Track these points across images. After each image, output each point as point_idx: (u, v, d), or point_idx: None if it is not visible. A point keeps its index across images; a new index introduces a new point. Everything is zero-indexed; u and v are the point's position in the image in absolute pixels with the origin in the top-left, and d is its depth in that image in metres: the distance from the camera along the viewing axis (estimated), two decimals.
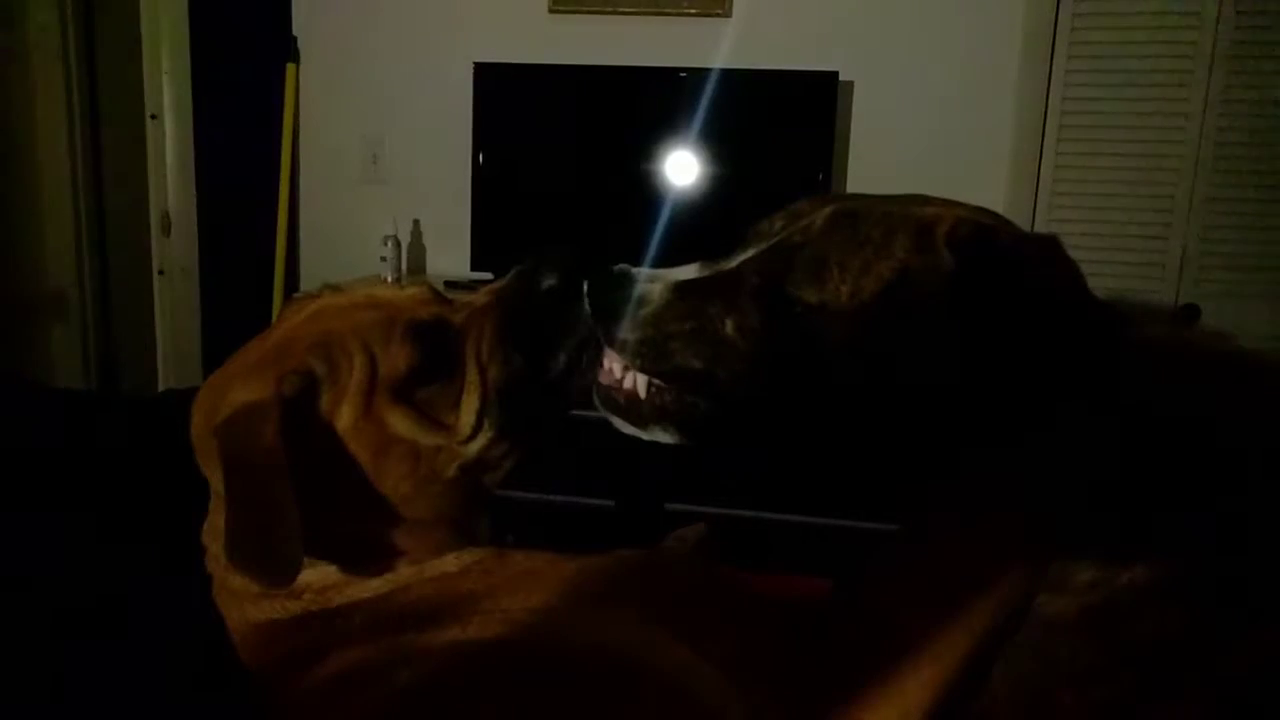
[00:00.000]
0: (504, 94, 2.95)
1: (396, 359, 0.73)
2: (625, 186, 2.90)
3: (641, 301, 0.73)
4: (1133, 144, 2.75)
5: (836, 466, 0.78)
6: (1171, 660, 0.60)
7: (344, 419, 0.71)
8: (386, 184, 3.21)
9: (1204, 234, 2.72)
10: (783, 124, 2.82)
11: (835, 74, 2.73)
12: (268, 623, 0.70)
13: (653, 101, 2.87)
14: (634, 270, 0.76)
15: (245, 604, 0.71)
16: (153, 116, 3.19)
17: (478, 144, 2.94)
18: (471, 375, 0.77)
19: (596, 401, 0.78)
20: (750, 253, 0.75)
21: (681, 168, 2.84)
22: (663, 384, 0.75)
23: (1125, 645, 0.61)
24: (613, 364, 0.76)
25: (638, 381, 0.75)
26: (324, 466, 0.69)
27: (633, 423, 0.77)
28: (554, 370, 0.80)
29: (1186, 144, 2.71)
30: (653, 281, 0.75)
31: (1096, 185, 2.77)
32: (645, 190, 2.85)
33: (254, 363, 0.74)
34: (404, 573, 0.71)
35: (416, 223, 3.20)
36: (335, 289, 0.84)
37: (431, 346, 0.74)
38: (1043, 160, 2.80)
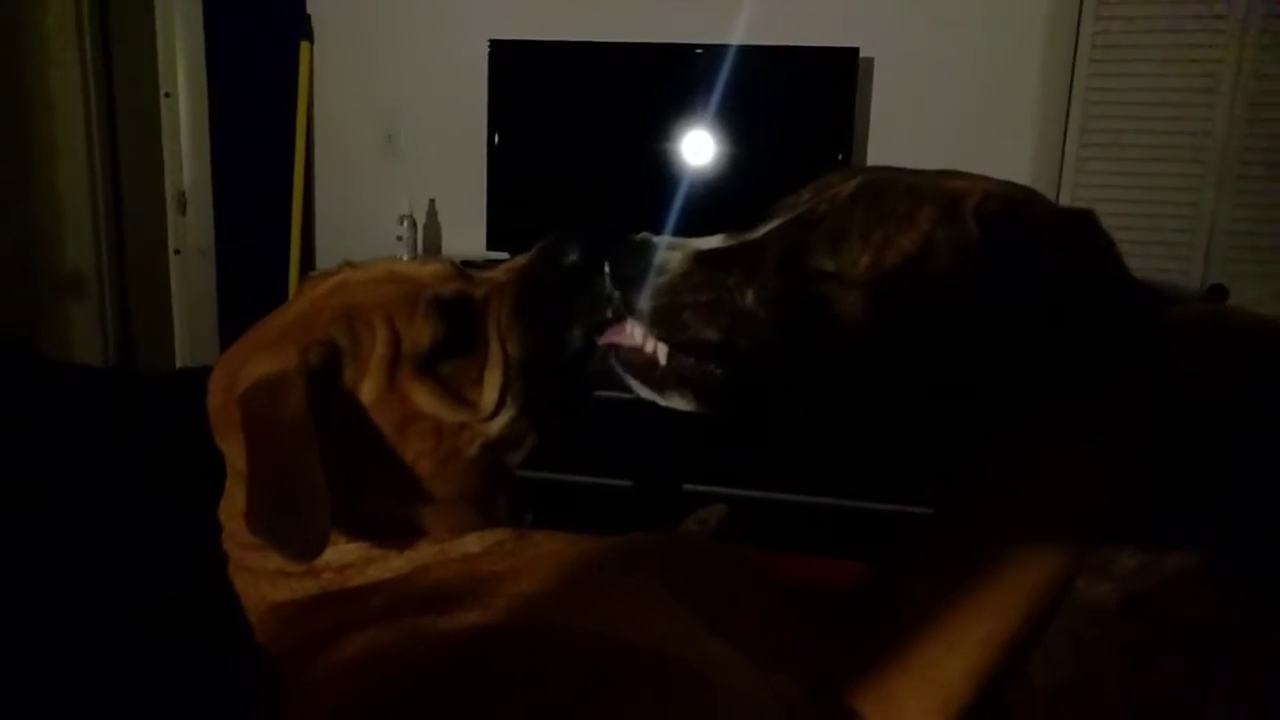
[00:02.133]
0: (520, 72, 2.92)
1: (420, 333, 0.72)
2: (642, 166, 2.87)
3: (659, 270, 0.72)
4: (1160, 120, 2.69)
5: (859, 445, 0.76)
6: (1220, 646, 0.58)
7: (367, 392, 0.70)
8: (402, 163, 3.20)
9: (1232, 213, 2.67)
10: (802, 102, 2.78)
11: (855, 50, 2.69)
12: (285, 603, 0.68)
13: (669, 79, 2.84)
14: (655, 239, 0.75)
15: (262, 583, 0.70)
16: (167, 95, 3.18)
17: (493, 122, 2.92)
18: (494, 351, 0.76)
19: (615, 365, 0.77)
20: (775, 224, 0.74)
21: (698, 147, 2.81)
22: (681, 351, 0.74)
23: (1171, 631, 0.59)
24: (634, 328, 0.75)
25: (658, 347, 0.74)
26: (346, 441, 0.68)
27: (651, 388, 0.76)
28: (575, 346, 0.78)
29: (1215, 120, 2.65)
30: (673, 250, 0.73)
31: (1122, 164, 2.72)
32: (662, 169, 2.82)
33: (275, 336, 0.73)
34: (425, 552, 0.70)
35: (432, 202, 3.18)
36: (354, 266, 0.82)
37: (455, 321, 0.73)
38: (1067, 139, 2.75)
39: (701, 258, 0.73)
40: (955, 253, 0.68)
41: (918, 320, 0.67)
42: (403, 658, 0.60)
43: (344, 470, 0.66)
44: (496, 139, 2.92)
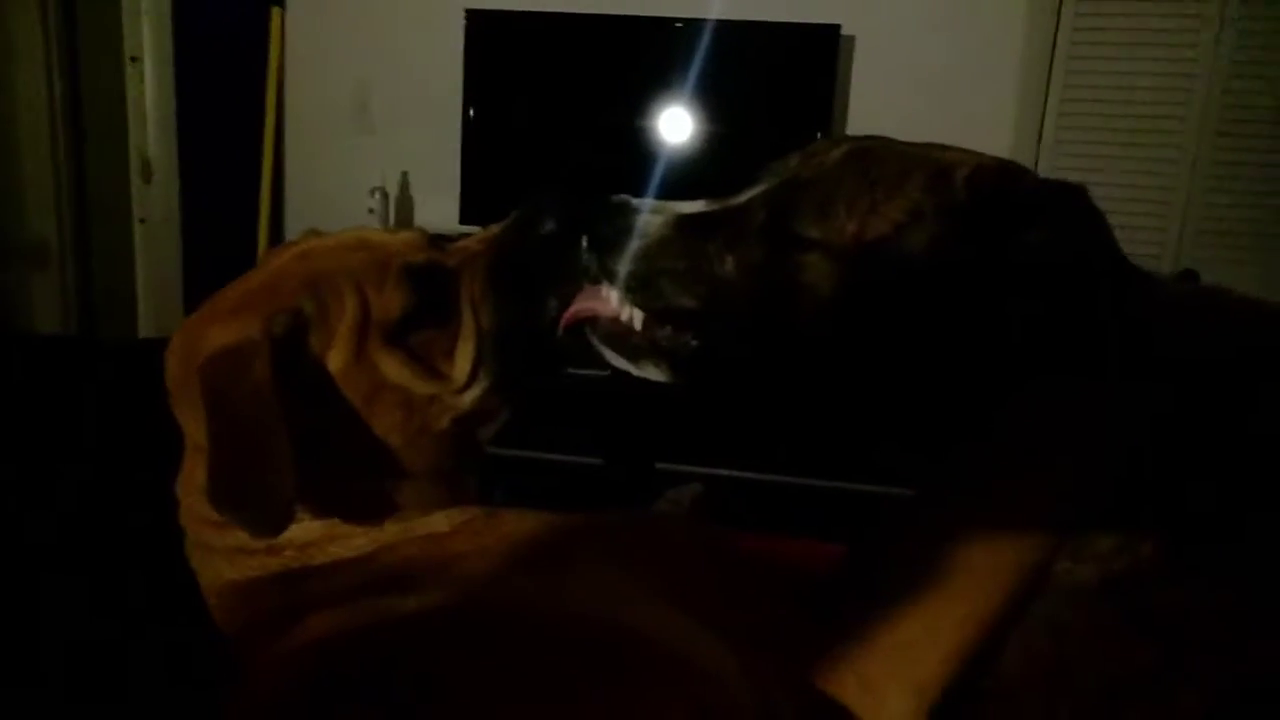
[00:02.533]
0: (496, 42, 2.87)
1: (390, 302, 0.69)
2: (619, 141, 2.83)
3: (638, 234, 0.70)
4: (1138, 105, 2.70)
5: (838, 421, 0.75)
6: (1198, 635, 0.57)
7: (334, 362, 0.68)
8: (375, 134, 3.14)
9: (1205, 198, 2.68)
10: (782, 78, 2.75)
11: (837, 27, 2.67)
12: (244, 581, 0.66)
13: (648, 53, 2.80)
14: (635, 201, 0.72)
15: (219, 561, 0.67)
16: (132, 59, 3.09)
17: (468, 94, 2.87)
18: (467, 322, 0.74)
19: (588, 332, 0.75)
20: (760, 189, 0.72)
21: (676, 122, 2.78)
22: (656, 319, 0.72)
23: (1149, 617, 0.58)
24: (609, 294, 0.73)
25: (633, 314, 0.72)
26: (311, 413, 0.66)
27: (624, 356, 0.74)
28: (550, 318, 0.76)
29: (1191, 106, 2.66)
30: (654, 213, 0.71)
31: (1099, 147, 2.73)
32: (639, 145, 2.79)
33: (237, 304, 0.70)
34: (390, 530, 0.68)
35: (405, 174, 3.13)
36: (320, 234, 0.80)
37: (426, 291, 0.71)
38: (1045, 120, 2.75)
39: (682, 222, 0.71)
40: (944, 223, 0.66)
41: (903, 292, 0.66)
42: (362, 640, 0.58)
43: (309, 443, 0.63)
44: (472, 112, 2.87)
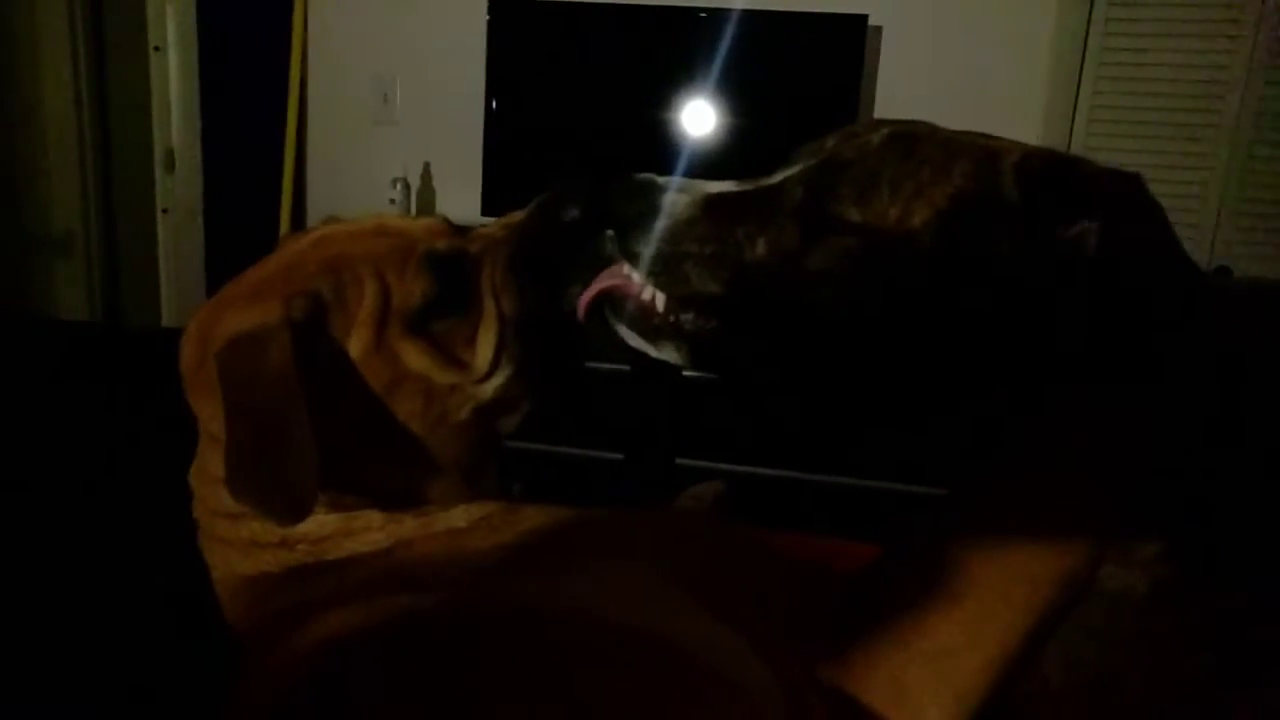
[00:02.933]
0: (519, 33, 2.85)
1: (411, 288, 0.68)
2: (642, 132, 2.80)
3: (663, 214, 0.67)
4: (1172, 97, 2.64)
5: (871, 418, 0.72)
6: (1256, 641, 0.54)
7: (354, 349, 0.66)
8: (397, 124, 3.13)
9: (1240, 193, 2.62)
10: (808, 69, 2.71)
11: (865, 17, 2.62)
12: (257, 576, 0.64)
13: (672, 43, 2.77)
14: (661, 180, 0.70)
15: (232, 554, 0.66)
16: (156, 49, 3.10)
17: (491, 85, 2.85)
18: (489, 310, 0.72)
19: (606, 310, 0.72)
20: (795, 169, 0.69)
21: (701, 114, 2.74)
22: (680, 303, 0.69)
23: (1204, 623, 0.55)
24: (630, 272, 0.71)
25: (655, 294, 0.70)
26: (329, 402, 0.64)
27: (642, 336, 0.71)
28: (573, 306, 0.74)
29: (1228, 100, 2.60)
30: (681, 192, 0.69)
31: (1132, 141, 2.67)
32: (663, 137, 2.76)
33: (254, 289, 0.69)
34: (408, 525, 0.66)
35: (427, 165, 3.12)
36: (339, 220, 0.78)
37: (447, 278, 0.69)
38: (1076, 114, 2.70)
39: (710, 202, 0.68)
40: (992, 212, 0.63)
41: (947, 283, 0.63)
42: (375, 639, 0.55)
43: (327, 432, 0.62)
44: (494, 103, 2.85)
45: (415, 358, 0.67)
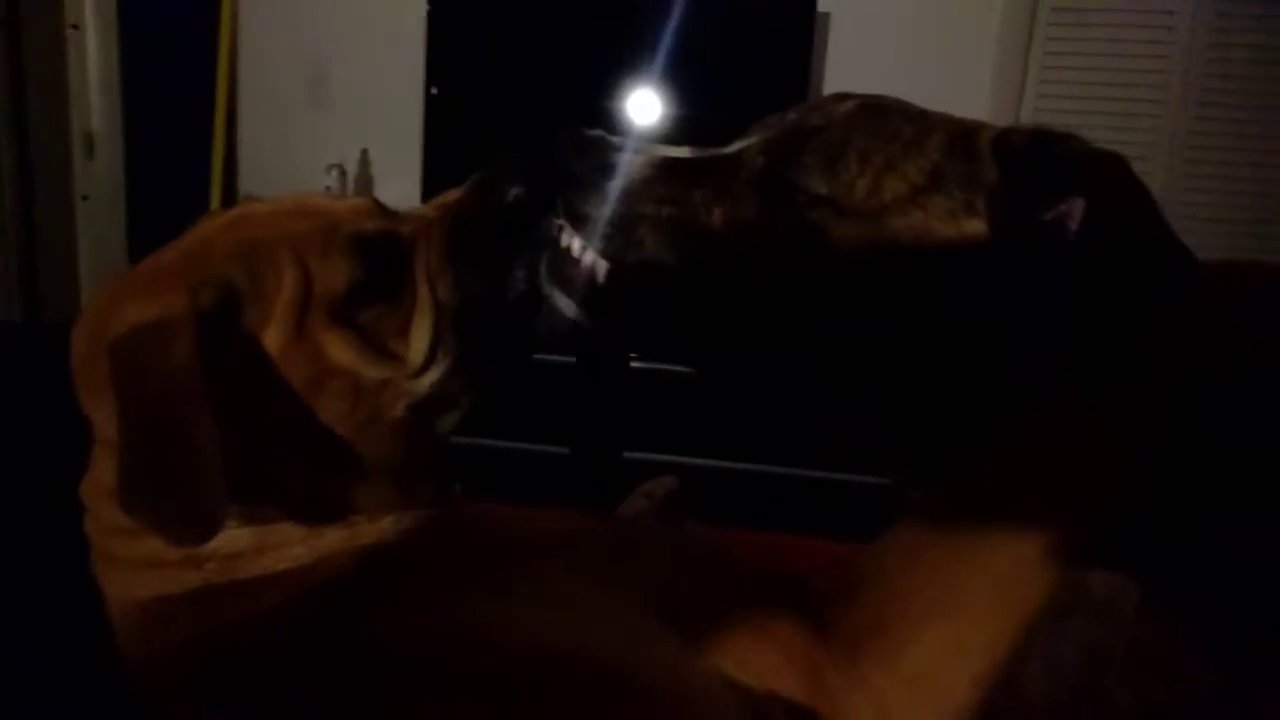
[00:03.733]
0: (460, 17, 2.76)
1: (335, 273, 0.61)
2: (587, 120, 2.72)
3: (614, 173, 0.62)
4: (1116, 86, 2.66)
5: (837, 405, 0.67)
6: (1258, 655, 0.50)
7: (271, 342, 0.60)
8: (333, 109, 3.01)
9: (1185, 183, 2.65)
10: (756, 56, 2.67)
11: (813, 3, 2.59)
12: (156, 600, 0.57)
13: (618, 29, 2.70)
14: (614, 138, 0.64)
15: (129, 576, 0.58)
16: (74, 27, 2.93)
17: (431, 69, 2.76)
18: (423, 297, 0.65)
19: (543, 274, 0.67)
20: (756, 137, 0.64)
21: (648, 101, 2.68)
22: (625, 271, 0.64)
23: (1200, 636, 0.51)
24: (571, 237, 0.65)
25: (597, 262, 0.64)
26: (243, 402, 0.57)
27: (582, 305, 0.66)
28: (517, 292, 0.68)
29: (1171, 87, 2.63)
30: (634, 153, 0.63)
31: (1077, 126, 2.68)
32: (608, 125, 2.68)
33: (155, 276, 0.62)
34: (332, 538, 0.59)
35: (364, 152, 3.01)
36: (255, 202, 0.71)
37: (376, 262, 0.63)
38: (1023, 100, 2.71)
39: (667, 165, 0.63)
40: (967, 190, 0.59)
41: (918, 264, 0.58)
42: (296, 672, 0.49)
43: (239, 437, 0.55)
44: (434, 89, 2.76)
45: (341, 351, 0.61)
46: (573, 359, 2.19)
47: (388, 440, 0.64)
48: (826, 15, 2.71)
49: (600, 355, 2.20)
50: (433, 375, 0.65)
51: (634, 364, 2.21)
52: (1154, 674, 0.52)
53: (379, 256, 0.63)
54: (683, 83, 2.67)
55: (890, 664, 0.50)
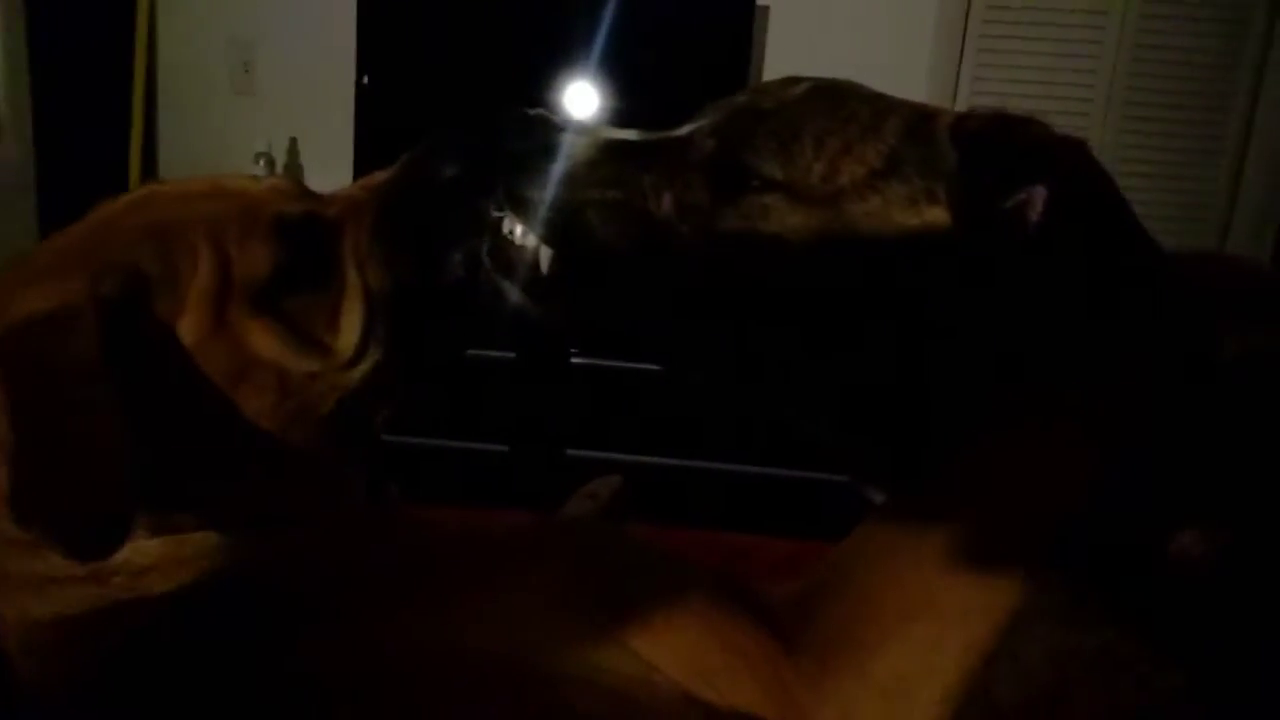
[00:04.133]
0: (392, 4, 2.69)
1: (256, 258, 0.57)
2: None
3: (557, 154, 0.59)
4: (1046, 85, 2.71)
5: (795, 400, 0.65)
6: (1230, 658, 0.49)
7: (186, 333, 0.55)
8: (260, 96, 2.91)
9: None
10: (694, 50, 2.65)
11: None
12: (55, 620, 0.51)
13: (555, 21, 2.66)
14: (556, 118, 0.61)
15: (25, 595, 0.52)
16: None
17: (362, 56, 2.68)
18: (352, 283, 0.61)
19: (485, 259, 0.63)
20: (704, 121, 0.61)
21: (586, 94, 2.64)
22: (570, 258, 0.61)
23: (1169, 637, 0.50)
24: (513, 221, 0.62)
25: (541, 249, 0.62)
26: (152, 400, 0.52)
27: (526, 293, 0.63)
28: (454, 277, 0.65)
29: (1097, 87, 2.69)
30: (578, 134, 0.60)
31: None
32: None
33: (53, 262, 0.56)
34: (254, 547, 0.54)
35: (294, 140, 2.91)
36: (163, 184, 0.66)
37: (301, 246, 0.59)
38: (958, 95, 2.74)
39: (613, 147, 0.60)
40: (926, 177, 0.57)
41: (876, 254, 0.56)
42: (212, 701, 0.44)
43: (149, 438, 0.50)
44: (366, 79, 2.68)
45: (265, 341, 0.57)
46: (512, 354, 2.14)
47: (317, 437, 0.60)
48: (765, 9, 2.71)
49: (540, 350, 2.16)
50: (365, 366, 0.61)
51: (575, 359, 2.17)
52: (1123, 675, 0.50)
53: (303, 240, 0.59)
54: (621, 75, 2.64)
55: (862, 673, 0.47)
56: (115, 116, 2.84)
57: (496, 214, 0.63)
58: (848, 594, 0.50)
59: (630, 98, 2.64)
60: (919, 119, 0.59)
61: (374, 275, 0.62)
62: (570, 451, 2.17)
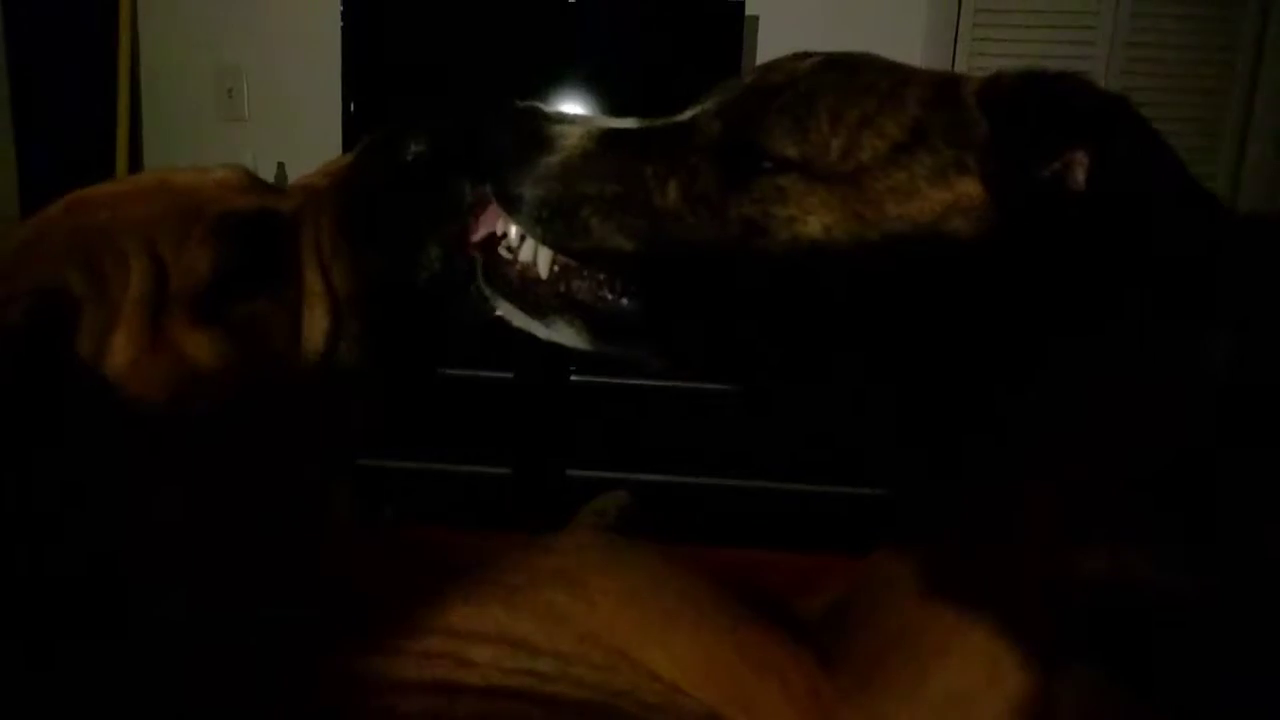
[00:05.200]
0: (377, 27, 2.65)
1: (195, 263, 0.52)
2: None
3: (550, 147, 0.53)
4: None
5: (822, 403, 0.59)
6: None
7: (118, 352, 0.49)
8: (245, 121, 2.88)
9: None
10: (683, 59, 2.62)
11: (741, 5, 2.55)
12: None
13: (542, 35, 2.63)
14: (549, 110, 0.57)
15: None
16: None
17: (348, 78, 2.64)
18: (313, 284, 0.56)
19: (480, 278, 0.58)
20: (708, 103, 0.57)
21: (574, 107, 2.61)
22: (573, 263, 0.55)
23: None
24: (507, 227, 0.57)
25: (539, 255, 0.56)
26: (84, 430, 0.47)
27: (527, 312, 0.57)
28: (431, 271, 0.59)
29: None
30: (570, 125, 0.55)
31: None
32: None
33: None
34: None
35: (281, 166, 2.86)
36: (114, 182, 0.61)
37: (252, 247, 0.53)
38: None
39: (610, 137, 0.55)
40: (955, 145, 0.52)
41: (910, 229, 0.51)
42: None
43: (87, 468, 0.45)
44: (353, 106, 2.65)
45: (210, 353, 0.51)
46: (510, 374, 2.09)
47: (287, 454, 0.54)
48: (755, 18, 2.68)
49: (539, 370, 2.10)
50: (334, 377, 0.55)
51: (575, 377, 2.12)
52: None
53: (253, 240, 0.54)
54: (610, 89, 2.60)
55: (913, 691, 0.42)
56: (100, 143, 2.80)
57: (472, 194, 0.57)
58: (892, 604, 0.45)
59: (620, 111, 2.60)
60: (943, 85, 0.55)
61: (339, 275, 0.56)
62: (572, 471, 2.11)
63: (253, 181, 0.60)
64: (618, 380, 2.06)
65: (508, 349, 2.07)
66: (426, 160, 0.58)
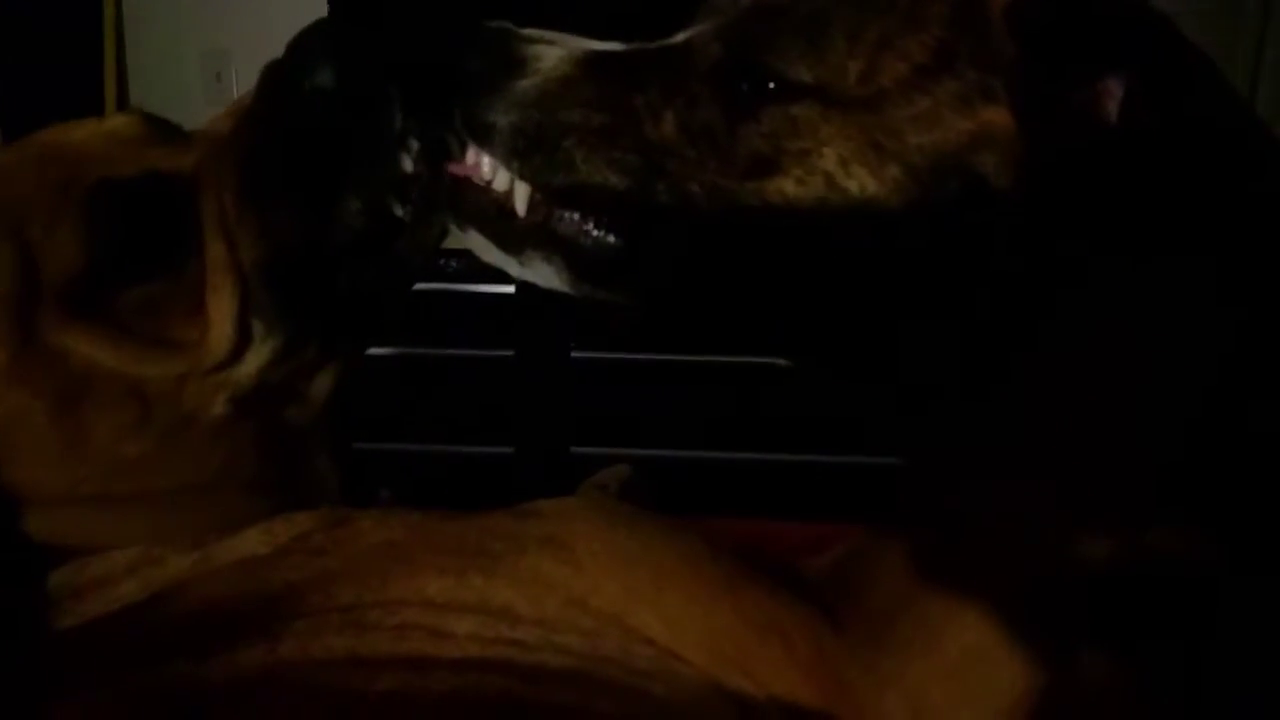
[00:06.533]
0: (364, 4, 2.61)
1: (63, 248, 0.46)
2: None
3: (525, 70, 0.48)
4: None
5: (827, 357, 0.55)
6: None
7: None
8: None
9: None
10: None
11: None
12: None
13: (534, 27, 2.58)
14: (524, 30, 0.51)
15: None
16: None
17: None
18: (216, 256, 0.49)
19: (446, 205, 0.52)
20: (708, 23, 0.51)
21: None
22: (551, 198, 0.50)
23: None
24: (480, 157, 0.50)
25: (515, 188, 0.50)
26: None
27: (500, 245, 0.51)
28: (349, 228, 0.52)
29: None
30: (549, 45, 0.50)
31: None
32: None
33: None
34: (174, 566, 0.44)
35: None
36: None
37: (136, 220, 0.47)
38: None
39: (595, 61, 0.50)
40: (981, 68, 0.47)
41: (936, 162, 0.46)
42: None
43: None
44: None
45: (97, 349, 0.46)
46: (510, 353, 2.06)
47: (217, 446, 0.50)
48: None
49: (539, 346, 2.07)
50: (256, 359, 0.50)
51: (575, 354, 2.08)
52: None
53: (137, 212, 0.47)
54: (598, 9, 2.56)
55: (928, 650, 0.38)
56: None
57: (402, 128, 0.51)
58: (900, 566, 0.41)
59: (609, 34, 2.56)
60: (968, 3, 0.49)
61: (245, 243, 0.50)
62: (575, 449, 2.08)
63: (150, 131, 0.53)
64: (619, 356, 2.02)
65: (509, 327, 2.04)
66: (328, 90, 0.50)
